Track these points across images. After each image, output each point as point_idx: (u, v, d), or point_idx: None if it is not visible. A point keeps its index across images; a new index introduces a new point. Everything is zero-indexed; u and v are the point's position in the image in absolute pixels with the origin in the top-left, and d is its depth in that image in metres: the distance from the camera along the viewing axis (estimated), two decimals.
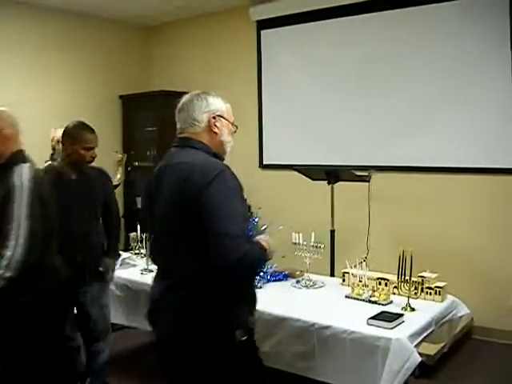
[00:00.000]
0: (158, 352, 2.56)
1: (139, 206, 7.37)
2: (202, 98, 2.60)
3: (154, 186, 2.54)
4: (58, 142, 4.55)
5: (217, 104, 2.61)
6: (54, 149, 4.93)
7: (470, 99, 5.24)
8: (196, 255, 2.33)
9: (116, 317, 4.38)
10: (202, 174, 2.33)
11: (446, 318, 3.59)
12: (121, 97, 7.41)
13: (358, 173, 4.91)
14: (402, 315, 3.23)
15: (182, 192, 2.35)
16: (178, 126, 2.67)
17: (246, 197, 2.42)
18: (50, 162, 4.32)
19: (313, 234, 3.98)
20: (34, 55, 6.52)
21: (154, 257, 2.76)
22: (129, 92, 7.29)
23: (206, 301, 2.36)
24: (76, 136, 3.77)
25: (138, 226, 4.78)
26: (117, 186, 4.96)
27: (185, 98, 2.64)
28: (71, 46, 6.88)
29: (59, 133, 4.30)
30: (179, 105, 2.66)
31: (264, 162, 6.78)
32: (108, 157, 7.24)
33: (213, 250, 2.22)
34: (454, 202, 5.39)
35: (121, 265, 4.57)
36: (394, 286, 3.68)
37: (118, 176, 5.16)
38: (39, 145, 6.50)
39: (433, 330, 3.36)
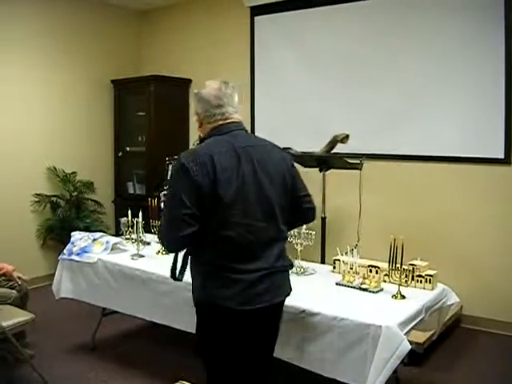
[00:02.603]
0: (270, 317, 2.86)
1: (131, 191, 7.38)
2: (235, 90, 2.82)
3: (239, 167, 2.64)
4: None
5: None
6: None
7: (461, 89, 5.23)
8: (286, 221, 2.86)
9: (106, 302, 4.38)
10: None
11: (436, 306, 3.60)
12: (113, 81, 7.37)
13: (350, 161, 4.92)
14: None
15: (287, 169, 2.84)
16: (225, 110, 2.76)
17: None
18: None
19: None
20: (24, 40, 6.44)
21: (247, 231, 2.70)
22: (121, 77, 7.25)
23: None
24: None
25: (129, 212, 4.76)
26: None
27: (224, 85, 2.78)
28: (63, 30, 6.82)
29: None
30: (223, 90, 2.78)
31: None
32: (100, 141, 7.28)
33: (309, 206, 3.01)
34: (446, 190, 5.41)
35: (112, 249, 4.56)
36: (384, 273, 3.69)
37: None
38: (31, 126, 6.53)
39: (423, 318, 3.37)
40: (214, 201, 2.56)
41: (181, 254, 2.82)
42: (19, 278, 4.51)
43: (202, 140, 2.80)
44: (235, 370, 2.81)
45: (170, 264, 2.86)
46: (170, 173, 2.68)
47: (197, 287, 2.74)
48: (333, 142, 5.14)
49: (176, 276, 2.85)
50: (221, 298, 2.64)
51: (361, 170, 4.93)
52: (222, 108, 2.75)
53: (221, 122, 2.75)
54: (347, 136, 5.01)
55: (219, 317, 2.69)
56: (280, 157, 2.86)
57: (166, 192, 2.81)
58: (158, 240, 2.93)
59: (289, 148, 5.25)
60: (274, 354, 3.06)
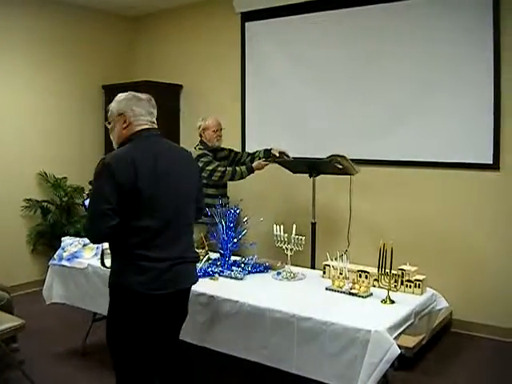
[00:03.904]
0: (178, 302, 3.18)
1: None
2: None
3: (160, 168, 2.99)
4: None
5: None
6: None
7: (450, 95, 5.26)
8: None
9: (96, 307, 4.38)
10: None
11: (426, 311, 3.62)
12: (104, 87, 7.37)
13: (340, 166, 4.92)
14: None
15: (194, 172, 3.33)
16: (150, 118, 3.15)
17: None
18: None
19: (294, 226, 3.99)
20: (15, 46, 6.44)
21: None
22: (112, 82, 7.25)
23: None
24: None
25: None
26: None
27: (146, 96, 3.22)
28: (54, 35, 6.82)
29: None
30: (149, 100, 3.22)
31: None
32: (91, 146, 7.27)
33: (200, 206, 3.45)
34: (435, 196, 5.43)
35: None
36: (374, 278, 3.70)
37: None
38: (21, 131, 6.52)
39: (412, 323, 3.38)
40: (133, 196, 2.85)
41: (107, 245, 3.12)
42: None
43: (123, 143, 3.07)
44: (143, 353, 3.08)
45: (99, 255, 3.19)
46: (95, 171, 2.93)
47: (114, 272, 3.04)
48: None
49: (105, 264, 3.31)
50: (134, 282, 2.91)
51: (351, 175, 4.95)
52: (149, 116, 3.14)
53: (145, 127, 3.08)
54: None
55: (131, 300, 2.96)
56: (188, 158, 3.30)
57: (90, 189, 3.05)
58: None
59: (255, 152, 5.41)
60: (263, 361, 3.21)
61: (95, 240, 3.06)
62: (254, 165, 5.30)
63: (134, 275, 2.91)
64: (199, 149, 5.33)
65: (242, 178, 5.30)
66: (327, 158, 4.94)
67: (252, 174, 5.32)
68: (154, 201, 2.93)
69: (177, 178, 3.07)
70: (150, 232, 2.92)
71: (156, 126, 3.15)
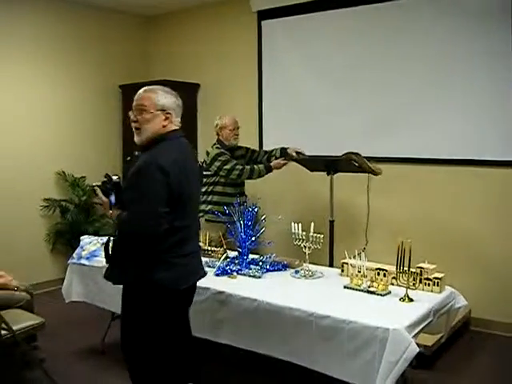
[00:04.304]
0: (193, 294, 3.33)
1: None
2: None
3: (190, 169, 3.13)
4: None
5: None
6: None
7: (468, 91, 5.22)
8: None
9: (115, 306, 4.39)
10: None
11: (444, 309, 3.61)
12: (121, 86, 7.40)
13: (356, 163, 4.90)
14: None
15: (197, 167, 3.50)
16: (179, 119, 3.21)
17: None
18: None
19: (312, 224, 3.99)
20: (33, 46, 6.49)
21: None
22: (129, 82, 7.28)
23: None
24: None
25: None
26: None
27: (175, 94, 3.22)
28: (71, 36, 6.87)
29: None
30: (178, 99, 3.22)
31: None
32: (109, 145, 7.31)
33: None
34: (453, 193, 5.40)
35: None
36: (392, 276, 3.70)
37: None
38: (39, 131, 6.57)
39: (431, 321, 3.37)
40: (179, 197, 2.94)
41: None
42: (16, 288, 4.52)
43: (156, 140, 3.09)
44: (169, 347, 3.18)
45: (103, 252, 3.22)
46: (140, 171, 2.94)
47: (135, 270, 3.00)
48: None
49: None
50: (162, 278, 2.97)
51: (369, 173, 4.93)
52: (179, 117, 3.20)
53: (177, 128, 3.17)
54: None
55: (158, 296, 3.01)
56: (195, 154, 3.52)
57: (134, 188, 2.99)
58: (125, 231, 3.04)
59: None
60: (284, 357, 3.31)
61: (146, 240, 2.92)
62: (272, 164, 5.31)
63: (162, 271, 2.96)
64: (216, 148, 5.33)
65: (259, 176, 5.31)
66: (342, 155, 4.94)
67: (270, 173, 5.33)
68: (188, 201, 3.05)
69: (194, 177, 3.21)
70: (185, 230, 3.05)
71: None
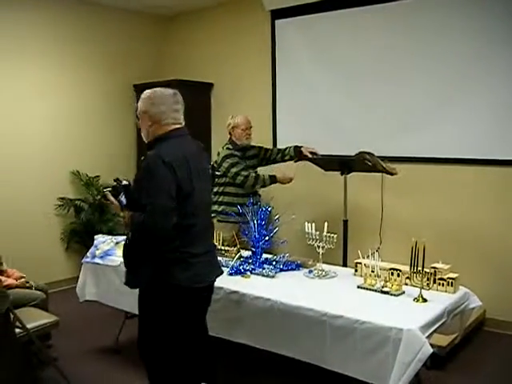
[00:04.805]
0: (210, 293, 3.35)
1: None
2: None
3: (200, 166, 3.17)
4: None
5: None
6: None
7: (488, 91, 5.17)
8: None
9: (129, 305, 4.40)
10: None
11: (458, 310, 3.59)
12: (135, 86, 7.42)
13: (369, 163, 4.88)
14: None
15: (207, 163, 3.38)
16: (174, 115, 3.18)
17: None
18: None
19: (325, 224, 3.98)
20: (48, 46, 6.53)
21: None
22: (143, 81, 7.29)
23: None
24: None
25: None
26: None
27: (171, 91, 3.24)
28: (85, 36, 6.90)
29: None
30: (173, 95, 3.22)
31: None
32: (123, 145, 7.34)
33: None
34: (468, 193, 5.37)
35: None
36: (406, 276, 3.69)
37: None
38: (54, 131, 6.61)
39: (445, 321, 3.36)
40: (188, 194, 2.98)
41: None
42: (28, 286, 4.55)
43: (156, 139, 3.12)
44: (186, 346, 3.20)
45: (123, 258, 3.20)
46: (147, 167, 2.99)
47: (153, 271, 3.02)
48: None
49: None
50: (181, 278, 3.00)
51: (383, 173, 4.92)
52: (173, 113, 3.16)
53: (175, 127, 3.16)
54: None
55: (177, 296, 3.04)
56: (203, 151, 3.37)
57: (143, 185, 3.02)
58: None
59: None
60: (297, 356, 3.33)
61: (158, 237, 2.94)
62: (278, 176, 5.28)
63: (181, 271, 3.00)
64: (227, 148, 5.31)
65: (263, 186, 5.29)
66: (355, 155, 4.92)
67: (274, 184, 5.33)
68: (198, 198, 3.07)
69: (204, 174, 3.22)
70: (195, 228, 3.06)
71: (182, 123, 3.21)
